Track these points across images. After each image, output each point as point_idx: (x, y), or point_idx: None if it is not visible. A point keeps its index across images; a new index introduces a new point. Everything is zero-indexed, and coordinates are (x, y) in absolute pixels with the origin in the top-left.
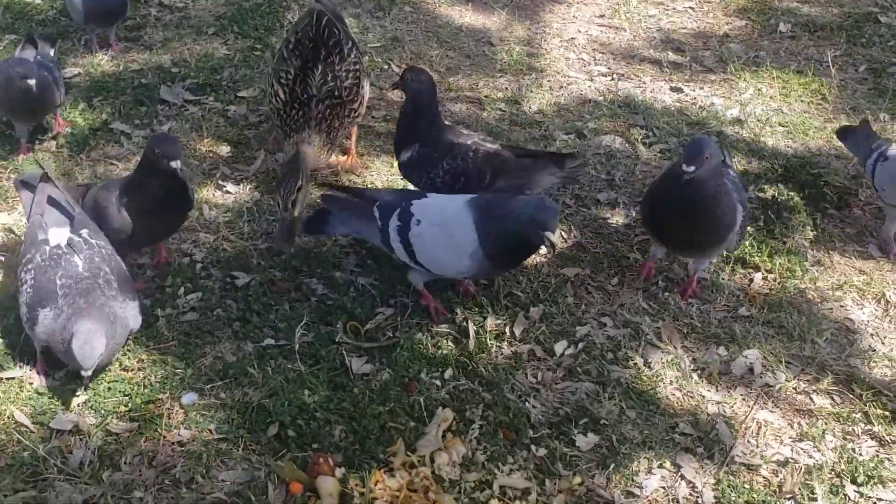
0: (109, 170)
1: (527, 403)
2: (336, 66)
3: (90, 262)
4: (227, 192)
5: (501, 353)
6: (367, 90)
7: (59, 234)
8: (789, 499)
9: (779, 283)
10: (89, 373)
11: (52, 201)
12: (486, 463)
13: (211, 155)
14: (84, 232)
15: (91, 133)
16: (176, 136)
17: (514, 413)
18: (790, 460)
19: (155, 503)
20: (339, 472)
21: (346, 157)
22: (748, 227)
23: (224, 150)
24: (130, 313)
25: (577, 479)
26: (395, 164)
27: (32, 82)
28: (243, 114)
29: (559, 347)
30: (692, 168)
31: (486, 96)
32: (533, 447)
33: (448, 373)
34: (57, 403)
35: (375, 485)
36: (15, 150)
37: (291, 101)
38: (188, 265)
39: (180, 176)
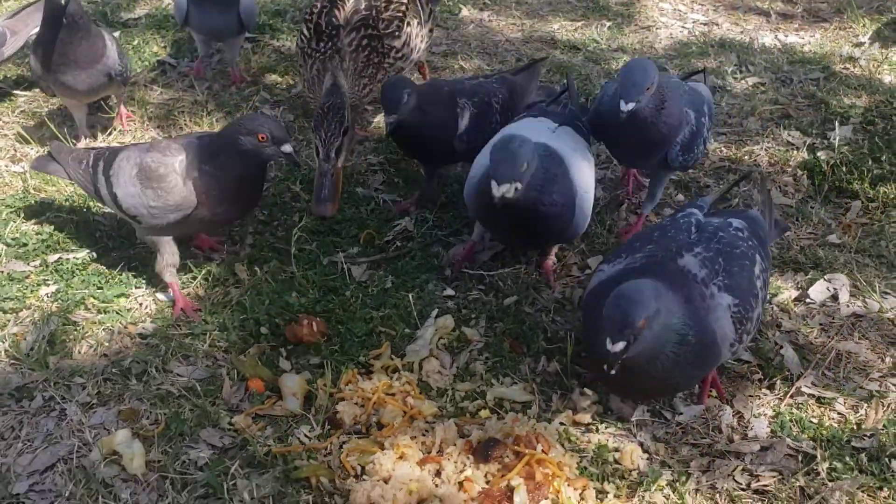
0: (149, 93)
1: (545, 317)
2: None
3: None
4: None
5: (526, 269)
6: (417, 32)
7: None
8: (870, 436)
9: (882, 213)
10: None
11: None
12: (483, 374)
13: (254, 81)
14: None
15: (137, 61)
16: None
17: (528, 326)
18: (875, 394)
19: (96, 390)
20: (320, 340)
21: None
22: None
23: (269, 77)
24: None
25: (593, 396)
26: None
27: None
28: None
29: (594, 262)
30: (630, 106)
31: (560, 38)
32: (544, 359)
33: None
34: (25, 292)
35: (346, 385)
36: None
37: (316, 35)
38: None
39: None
